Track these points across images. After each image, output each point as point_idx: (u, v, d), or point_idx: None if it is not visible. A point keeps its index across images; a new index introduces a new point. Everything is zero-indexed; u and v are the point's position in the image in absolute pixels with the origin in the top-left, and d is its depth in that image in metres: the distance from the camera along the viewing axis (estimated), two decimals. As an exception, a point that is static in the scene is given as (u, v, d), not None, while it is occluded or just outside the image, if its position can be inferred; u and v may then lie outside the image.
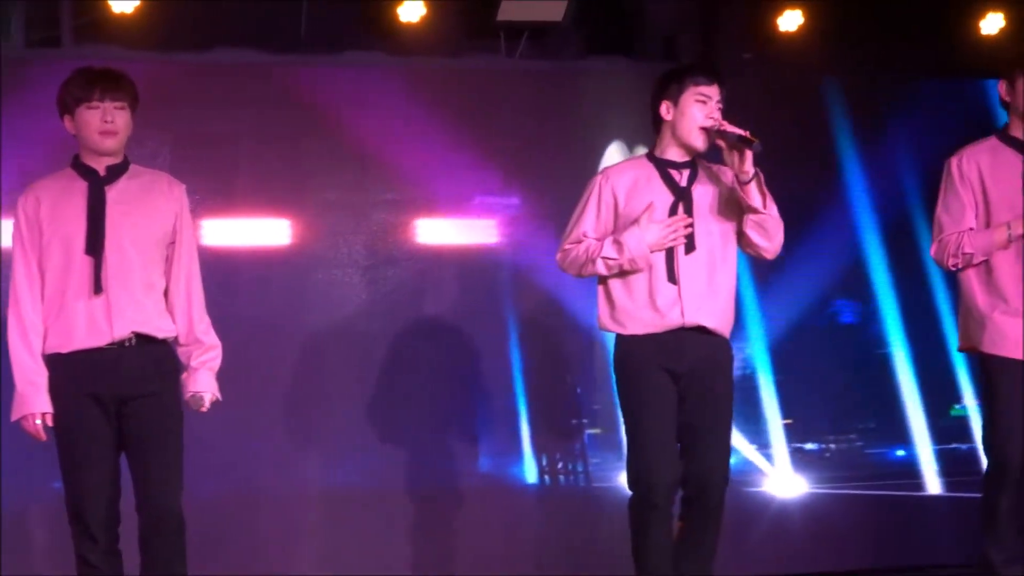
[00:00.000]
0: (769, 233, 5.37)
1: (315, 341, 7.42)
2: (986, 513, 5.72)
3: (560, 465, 7.72)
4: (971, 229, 5.65)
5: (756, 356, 7.83)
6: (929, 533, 7.86)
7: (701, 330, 5.36)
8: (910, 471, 8.04)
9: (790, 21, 7.69)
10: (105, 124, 5.09)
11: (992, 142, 5.73)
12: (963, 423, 8.07)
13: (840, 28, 7.81)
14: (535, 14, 7.44)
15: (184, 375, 5.23)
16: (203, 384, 5.20)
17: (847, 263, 7.94)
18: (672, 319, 5.32)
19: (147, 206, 5.17)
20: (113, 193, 5.15)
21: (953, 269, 5.70)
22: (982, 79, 7.46)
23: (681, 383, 5.36)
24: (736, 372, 5.62)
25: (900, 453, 8.05)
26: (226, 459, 7.02)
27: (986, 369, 5.73)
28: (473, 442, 7.62)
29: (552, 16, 7.42)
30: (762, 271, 7.49)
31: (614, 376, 5.46)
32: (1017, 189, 5.63)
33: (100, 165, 5.15)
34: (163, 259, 5.19)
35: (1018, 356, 5.61)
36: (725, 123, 5.30)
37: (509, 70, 7.72)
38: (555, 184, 7.29)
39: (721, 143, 5.28)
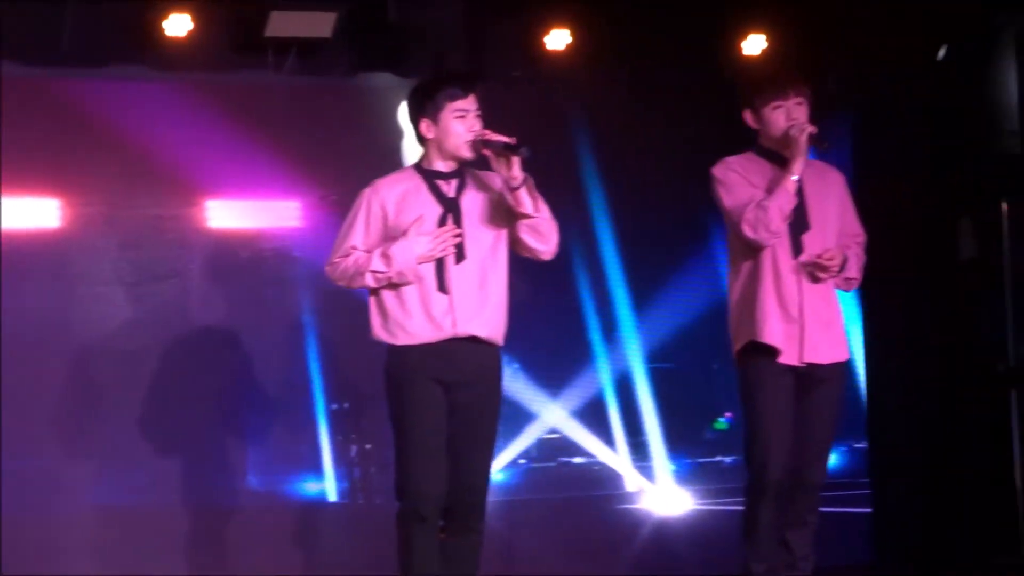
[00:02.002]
0: (544, 235, 5.40)
1: (84, 356, 7.35)
2: (746, 524, 5.82)
3: (360, 479, 7.76)
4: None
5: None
6: (683, 545, 8.05)
7: (473, 340, 5.37)
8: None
9: (558, 40, 7.71)
10: None
11: (749, 155, 5.89)
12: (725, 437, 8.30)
13: (607, 47, 7.86)
14: (303, 30, 7.39)
15: None
16: None
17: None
18: (444, 329, 5.33)
19: None
20: None
21: (774, 237, 5.72)
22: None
23: (451, 393, 5.37)
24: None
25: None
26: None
27: (747, 379, 5.83)
28: (258, 455, 7.64)
29: (320, 32, 7.38)
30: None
31: (385, 386, 5.44)
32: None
33: None
34: None
35: (785, 361, 5.72)
36: (488, 132, 5.32)
37: (277, 85, 7.67)
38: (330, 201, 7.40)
39: (487, 152, 5.30)
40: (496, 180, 5.37)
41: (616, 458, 8.18)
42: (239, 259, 7.73)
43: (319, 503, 7.69)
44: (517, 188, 5.28)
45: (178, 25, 7.22)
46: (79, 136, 7.33)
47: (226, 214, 7.70)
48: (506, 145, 5.25)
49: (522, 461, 8.07)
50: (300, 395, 7.70)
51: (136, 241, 7.47)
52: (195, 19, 7.24)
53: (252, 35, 7.41)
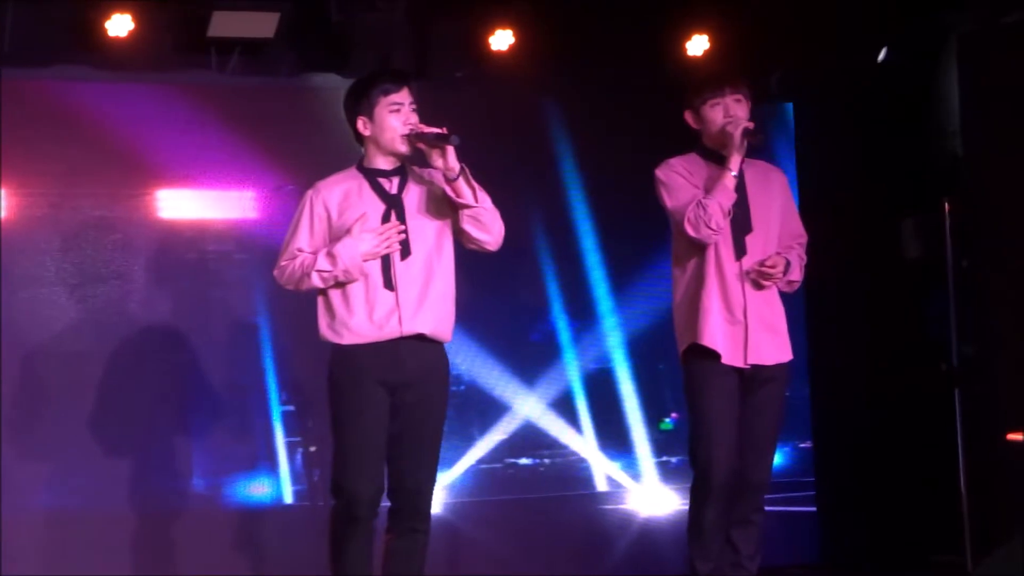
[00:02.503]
0: (486, 225, 5.42)
1: (28, 359, 7.32)
2: (692, 523, 5.89)
3: (306, 480, 7.73)
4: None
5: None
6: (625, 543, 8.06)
7: (419, 338, 5.39)
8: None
9: (501, 40, 7.74)
10: None
11: (691, 156, 5.95)
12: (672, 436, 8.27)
13: (552, 47, 7.86)
14: (246, 30, 7.39)
15: None
16: None
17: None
18: (390, 329, 5.36)
19: None
20: None
21: (715, 234, 5.75)
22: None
23: (396, 393, 5.39)
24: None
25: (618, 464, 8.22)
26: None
27: (693, 372, 5.89)
28: (206, 457, 7.61)
29: (263, 32, 7.38)
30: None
31: (327, 385, 5.46)
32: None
33: None
34: None
35: (729, 362, 5.79)
36: (421, 125, 5.37)
37: (221, 86, 7.66)
38: (275, 202, 7.44)
39: (422, 145, 5.34)
40: (437, 175, 5.40)
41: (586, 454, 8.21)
42: (185, 259, 7.67)
43: (268, 505, 7.67)
44: (455, 179, 5.34)
45: (120, 25, 7.21)
46: (20, 135, 7.28)
47: (172, 212, 7.65)
48: (437, 135, 5.31)
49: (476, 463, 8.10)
50: (250, 396, 7.68)
51: (79, 242, 7.43)
52: (136, 19, 7.23)
53: (195, 35, 7.40)
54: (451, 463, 7.78)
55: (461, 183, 5.34)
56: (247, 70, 7.64)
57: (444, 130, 5.29)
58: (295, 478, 7.69)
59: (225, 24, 7.33)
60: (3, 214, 7.27)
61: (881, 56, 8.09)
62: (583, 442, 8.14)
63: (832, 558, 8.28)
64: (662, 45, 7.99)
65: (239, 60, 7.59)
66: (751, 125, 5.73)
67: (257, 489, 7.66)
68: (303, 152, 7.40)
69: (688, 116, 5.93)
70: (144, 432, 7.45)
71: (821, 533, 8.37)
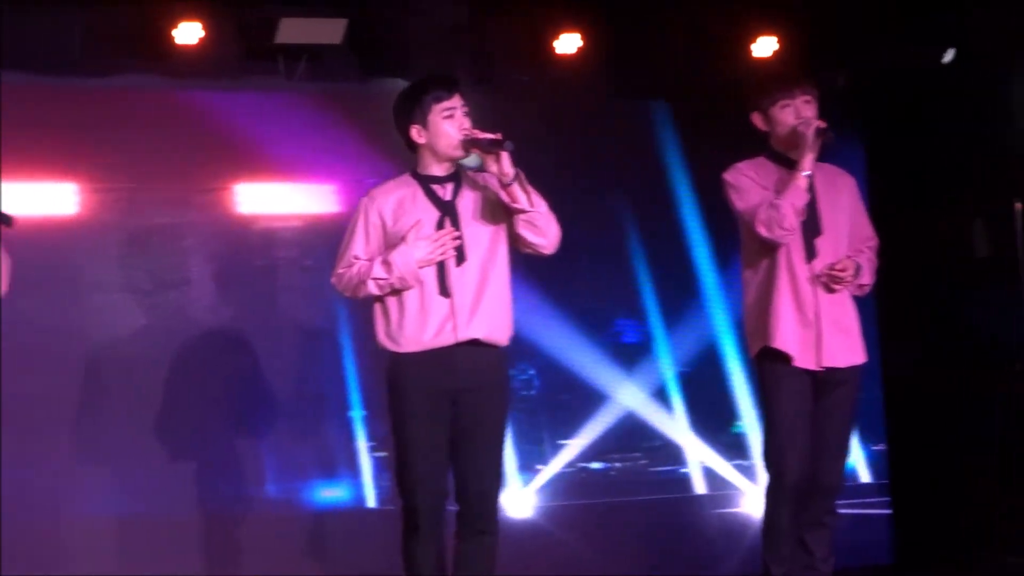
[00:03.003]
0: (541, 229, 5.44)
1: (95, 363, 7.42)
2: (765, 526, 5.91)
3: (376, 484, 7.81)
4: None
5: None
6: (709, 545, 8.15)
7: (475, 343, 5.42)
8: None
9: (568, 44, 7.79)
10: None
11: (760, 159, 5.96)
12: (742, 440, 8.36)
13: (618, 50, 7.93)
14: (314, 36, 7.48)
15: None
16: None
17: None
18: (445, 336, 5.39)
19: None
20: None
21: (789, 234, 5.77)
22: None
23: (455, 399, 5.43)
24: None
25: (684, 470, 8.27)
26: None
27: (764, 382, 5.92)
28: (275, 462, 7.70)
29: (331, 38, 7.48)
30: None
31: (387, 394, 5.51)
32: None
33: None
34: None
35: (802, 365, 5.78)
36: (475, 131, 5.40)
37: (289, 92, 7.75)
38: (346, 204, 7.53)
39: (476, 151, 5.38)
40: (491, 179, 5.44)
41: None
42: (254, 264, 7.79)
43: (346, 508, 7.78)
44: (509, 184, 5.35)
45: (189, 33, 7.31)
46: (90, 140, 7.39)
47: (241, 217, 7.77)
48: (492, 141, 5.33)
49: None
50: (321, 402, 7.79)
51: (149, 248, 7.55)
52: (206, 27, 7.33)
53: (263, 42, 7.50)
54: (543, 464, 7.98)
55: (516, 188, 5.36)
56: (314, 75, 7.72)
57: (499, 136, 5.33)
58: (376, 481, 7.77)
59: (293, 31, 7.43)
60: (78, 216, 7.43)
61: (948, 57, 8.08)
62: (682, 440, 8.30)
63: (906, 560, 8.32)
64: (728, 47, 8.02)
65: (306, 66, 7.68)
66: (823, 124, 5.73)
67: (334, 493, 7.76)
68: (369, 156, 7.47)
69: (756, 118, 5.94)
70: (213, 437, 7.56)
71: (895, 535, 8.44)
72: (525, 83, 8.10)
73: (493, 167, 5.36)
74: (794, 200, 5.74)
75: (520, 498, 7.99)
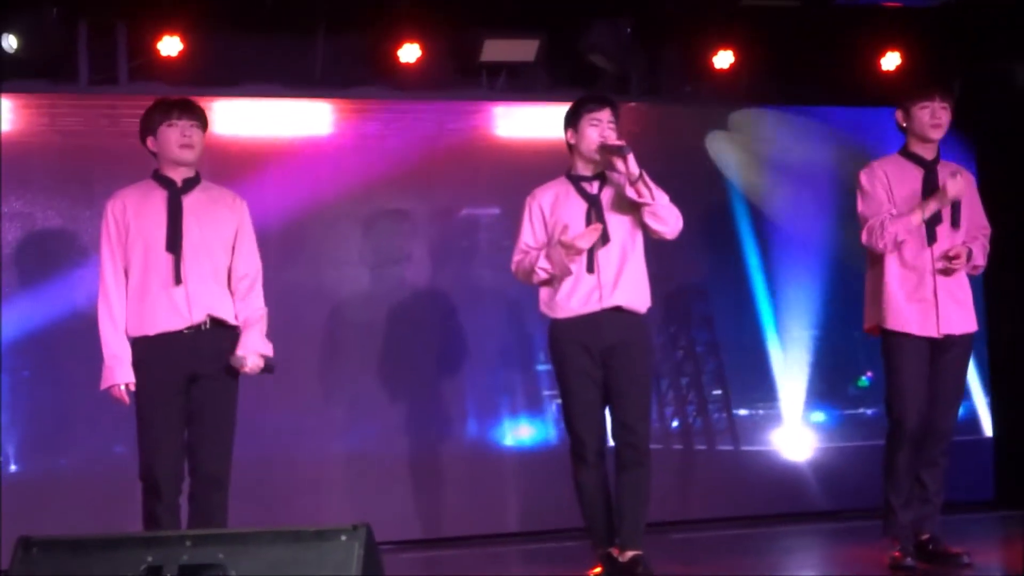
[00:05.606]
0: (662, 219, 6.01)
1: (334, 325, 7.93)
2: (887, 465, 6.39)
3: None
4: (891, 214, 6.20)
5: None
6: (836, 481, 8.61)
7: (618, 310, 6.05)
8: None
9: (723, 60, 8.35)
10: (184, 139, 5.62)
11: (894, 157, 6.39)
12: (866, 393, 8.75)
13: (764, 66, 8.41)
14: (512, 54, 7.98)
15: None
16: (244, 346, 5.64)
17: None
18: (592, 304, 6.02)
19: (214, 215, 5.73)
20: (187, 201, 5.68)
21: (882, 251, 6.14)
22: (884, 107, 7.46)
23: (604, 358, 6.03)
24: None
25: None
26: (262, 426, 7.42)
27: (888, 345, 6.34)
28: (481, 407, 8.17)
29: (525, 56, 7.98)
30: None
31: (549, 353, 6.14)
32: (917, 193, 6.29)
33: (177, 177, 5.66)
34: (228, 258, 5.71)
35: (922, 334, 6.22)
36: (608, 138, 6.00)
37: (492, 104, 8.24)
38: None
39: (607, 155, 6.00)
40: (621, 178, 6.04)
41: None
42: (460, 245, 8.27)
43: (528, 445, 8.19)
44: (635, 181, 5.93)
45: (410, 53, 7.90)
46: (323, 151, 7.89)
47: (448, 207, 8.22)
48: (616, 147, 5.92)
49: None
50: (512, 357, 8.21)
51: (377, 231, 8.06)
52: (423, 48, 7.88)
53: (470, 60, 8.01)
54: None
55: (640, 185, 5.94)
56: (511, 88, 8.20)
57: (622, 143, 5.92)
58: (556, 424, 8.15)
59: (495, 50, 7.94)
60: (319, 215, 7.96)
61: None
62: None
63: (1006, 496, 8.69)
64: (859, 62, 8.43)
65: (505, 80, 8.14)
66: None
67: (524, 432, 8.18)
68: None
69: (898, 114, 6.30)
70: (426, 384, 8.05)
71: (996, 474, 8.79)
72: (687, 93, 8.54)
73: (621, 167, 5.95)
74: (899, 229, 6.14)
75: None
